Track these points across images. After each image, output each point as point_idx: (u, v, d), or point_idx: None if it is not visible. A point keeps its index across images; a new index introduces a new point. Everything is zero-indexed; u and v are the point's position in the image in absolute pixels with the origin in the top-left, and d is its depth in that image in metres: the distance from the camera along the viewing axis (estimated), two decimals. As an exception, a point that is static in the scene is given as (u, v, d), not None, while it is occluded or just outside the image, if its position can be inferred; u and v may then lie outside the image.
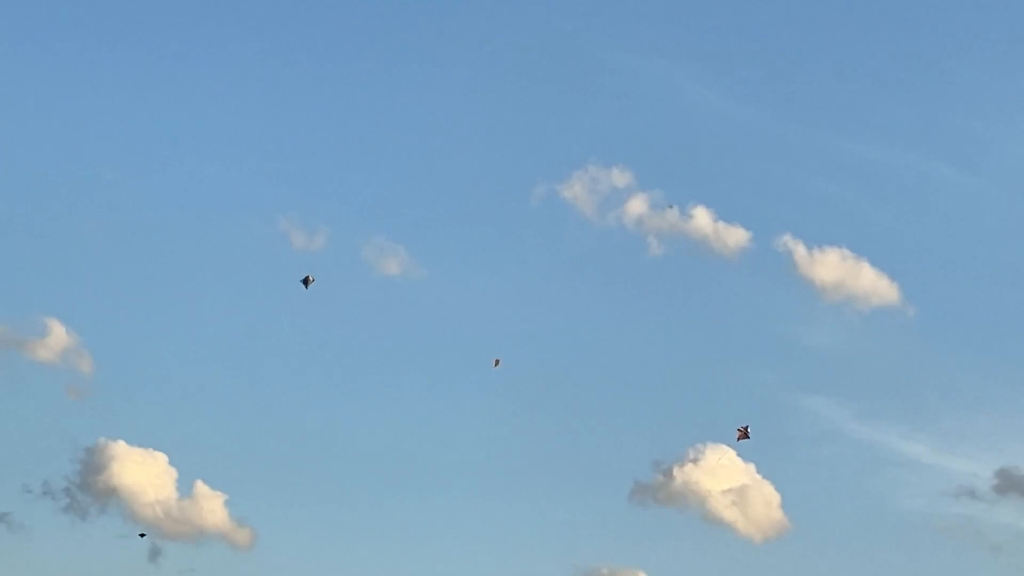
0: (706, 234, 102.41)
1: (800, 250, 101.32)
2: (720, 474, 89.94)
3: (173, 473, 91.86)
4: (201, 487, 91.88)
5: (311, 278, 78.32)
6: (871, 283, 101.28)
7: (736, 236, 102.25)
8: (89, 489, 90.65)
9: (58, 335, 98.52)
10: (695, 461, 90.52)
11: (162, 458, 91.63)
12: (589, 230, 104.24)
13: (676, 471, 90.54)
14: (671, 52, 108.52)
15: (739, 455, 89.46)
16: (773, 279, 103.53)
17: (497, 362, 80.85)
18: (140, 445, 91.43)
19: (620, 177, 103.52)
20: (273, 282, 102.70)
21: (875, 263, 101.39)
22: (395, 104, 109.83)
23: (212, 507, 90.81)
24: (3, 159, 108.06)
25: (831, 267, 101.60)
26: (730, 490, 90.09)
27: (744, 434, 76.55)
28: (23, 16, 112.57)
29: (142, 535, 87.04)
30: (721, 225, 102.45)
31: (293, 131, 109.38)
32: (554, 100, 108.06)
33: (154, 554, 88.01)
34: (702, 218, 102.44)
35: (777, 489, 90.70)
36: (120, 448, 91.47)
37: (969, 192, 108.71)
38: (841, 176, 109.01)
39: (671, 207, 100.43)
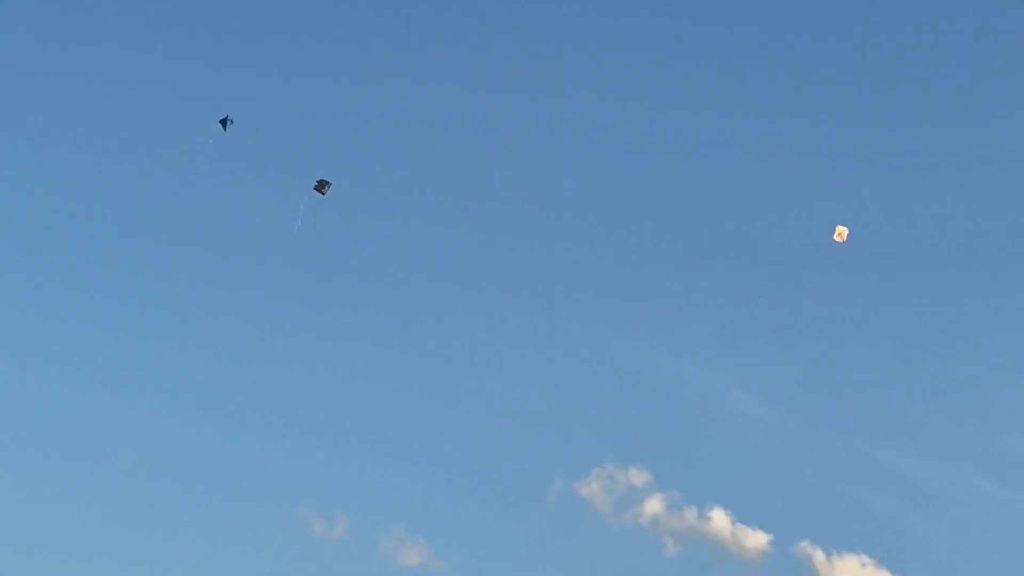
0: (724, 536, 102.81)
1: (819, 556, 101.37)
2: None
3: None
4: None
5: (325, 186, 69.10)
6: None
7: (755, 539, 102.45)
8: None
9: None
10: None
11: None
12: (605, 528, 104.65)
13: None
14: (694, 351, 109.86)
15: None
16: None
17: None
18: None
19: (638, 476, 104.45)
20: (293, 570, 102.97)
21: (896, 572, 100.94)
22: (414, 393, 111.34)
23: None
24: None
25: (849, 574, 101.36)
26: None
27: None
28: None
29: None
30: (739, 528, 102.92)
31: (313, 421, 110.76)
32: (574, 397, 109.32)
33: None
34: (720, 520, 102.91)
35: None
36: None
37: (1004, 508, 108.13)
38: (868, 484, 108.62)
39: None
